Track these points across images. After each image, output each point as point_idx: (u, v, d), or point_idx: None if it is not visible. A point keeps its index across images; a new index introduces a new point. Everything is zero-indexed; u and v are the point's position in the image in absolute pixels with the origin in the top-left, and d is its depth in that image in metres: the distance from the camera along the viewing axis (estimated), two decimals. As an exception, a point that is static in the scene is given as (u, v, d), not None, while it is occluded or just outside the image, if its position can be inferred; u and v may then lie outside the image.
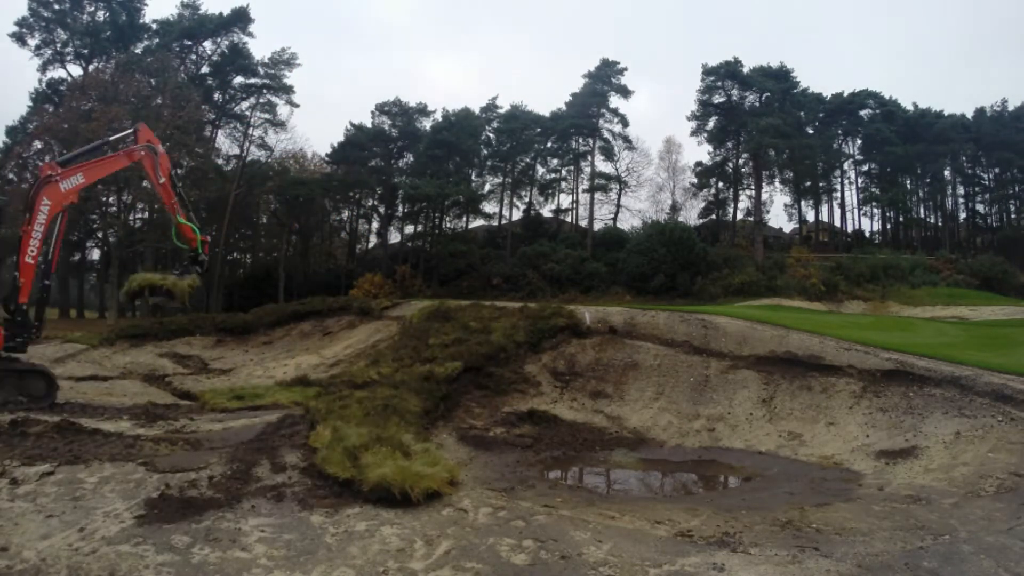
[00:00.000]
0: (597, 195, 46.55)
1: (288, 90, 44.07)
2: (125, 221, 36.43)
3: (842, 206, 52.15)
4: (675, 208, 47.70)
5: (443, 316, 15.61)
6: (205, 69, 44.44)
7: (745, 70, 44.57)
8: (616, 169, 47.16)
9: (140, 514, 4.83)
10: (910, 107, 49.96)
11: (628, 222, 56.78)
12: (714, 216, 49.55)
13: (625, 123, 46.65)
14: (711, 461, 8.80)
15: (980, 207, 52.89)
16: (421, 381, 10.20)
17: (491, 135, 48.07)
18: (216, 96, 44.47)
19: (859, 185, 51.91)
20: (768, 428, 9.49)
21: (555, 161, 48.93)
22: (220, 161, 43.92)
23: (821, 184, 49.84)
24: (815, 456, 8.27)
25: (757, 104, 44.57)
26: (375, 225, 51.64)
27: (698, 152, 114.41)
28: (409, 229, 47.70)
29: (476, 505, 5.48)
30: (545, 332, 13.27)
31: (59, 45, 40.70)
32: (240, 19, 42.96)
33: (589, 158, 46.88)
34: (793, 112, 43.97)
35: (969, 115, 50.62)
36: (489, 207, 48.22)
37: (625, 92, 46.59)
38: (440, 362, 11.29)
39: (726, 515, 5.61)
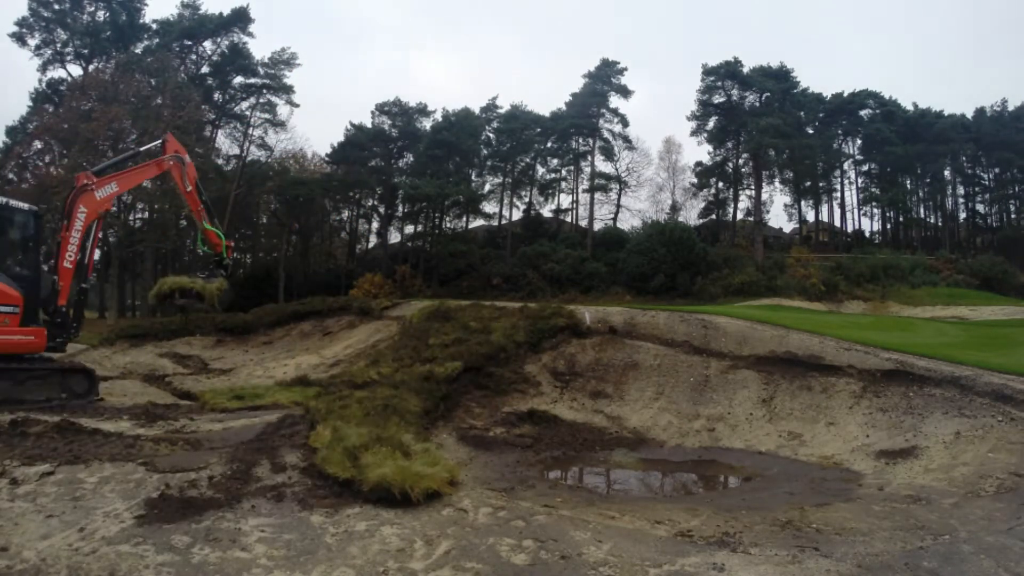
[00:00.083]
0: (597, 195, 46.61)
1: (288, 90, 44.16)
2: (125, 221, 36.43)
3: (842, 206, 52.27)
4: (675, 208, 47.77)
5: (443, 316, 15.60)
6: (205, 69, 44.47)
7: (745, 70, 44.61)
8: (616, 169, 47.27)
9: (140, 514, 4.83)
10: (910, 107, 50.04)
11: (628, 222, 56.91)
12: (714, 216, 49.59)
13: (625, 123, 46.75)
14: (711, 461, 8.80)
15: (980, 207, 53.03)
16: (421, 381, 10.20)
17: (491, 135, 48.10)
18: (216, 96, 44.50)
19: (859, 185, 52.01)
20: (768, 428, 9.49)
21: (555, 161, 48.99)
22: (220, 161, 43.97)
23: (821, 184, 49.88)
24: (815, 456, 8.27)
25: (757, 104, 44.60)
26: (375, 225, 51.74)
27: (698, 152, 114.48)
28: (409, 229, 47.80)
29: (476, 505, 5.48)
30: (545, 332, 13.27)
31: (59, 45, 40.71)
32: (240, 19, 42.99)
33: (589, 158, 46.94)
34: (793, 112, 44.01)
35: (969, 115, 50.72)
36: (489, 207, 48.34)
37: (625, 92, 46.65)
38: (440, 362, 11.28)
39: (726, 515, 5.61)
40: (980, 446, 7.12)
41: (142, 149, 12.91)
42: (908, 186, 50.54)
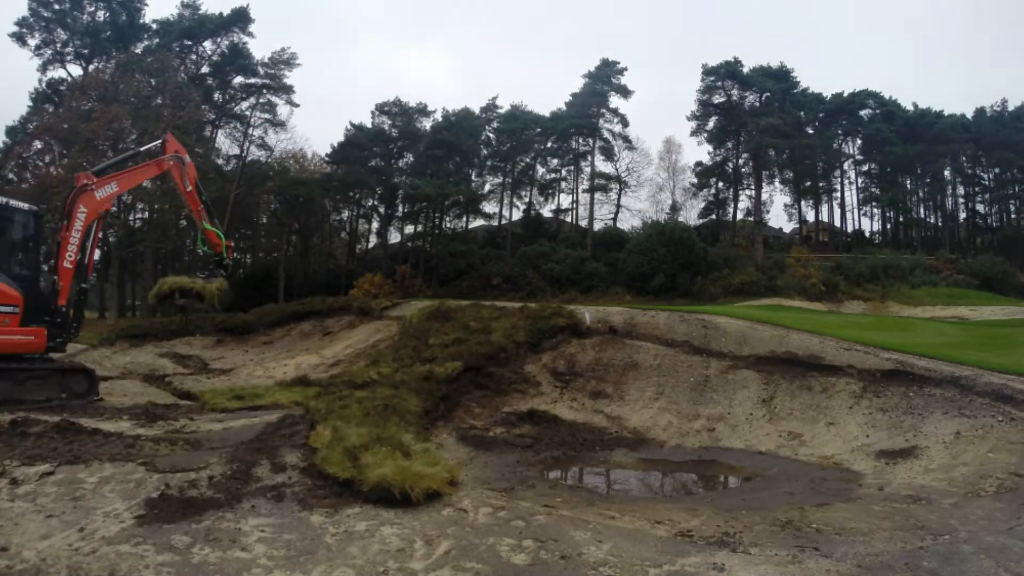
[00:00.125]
0: (597, 195, 46.62)
1: (288, 90, 44.15)
2: (125, 221, 36.43)
3: (842, 206, 52.26)
4: (675, 208, 47.77)
5: (443, 316, 15.60)
6: (205, 69, 44.46)
7: (745, 70, 44.61)
8: (616, 169, 47.27)
9: (140, 514, 4.83)
10: (910, 107, 50.02)
11: (628, 222, 56.90)
12: (714, 216, 49.58)
13: (625, 123, 46.75)
14: (711, 461, 8.80)
15: (980, 207, 53.02)
16: (421, 381, 10.20)
17: (491, 135, 48.09)
18: (216, 96, 44.49)
19: (859, 185, 52.00)
20: (768, 428, 9.49)
21: (555, 161, 48.99)
22: (220, 161, 43.96)
23: (821, 184, 49.88)
24: (815, 456, 8.27)
25: (757, 104, 44.60)
26: (375, 225, 51.73)
27: (698, 152, 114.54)
28: (409, 229, 47.79)
29: (476, 505, 5.48)
30: (545, 332, 13.27)
31: (59, 45, 40.69)
32: (240, 19, 42.98)
33: (589, 158, 46.94)
34: (793, 112, 44.01)
35: (969, 115, 50.69)
36: (489, 207, 48.32)
37: (625, 92, 46.65)
38: (440, 362, 11.28)
39: (726, 515, 5.61)
40: (980, 446, 7.12)
41: (142, 149, 12.92)
42: (908, 186, 50.54)
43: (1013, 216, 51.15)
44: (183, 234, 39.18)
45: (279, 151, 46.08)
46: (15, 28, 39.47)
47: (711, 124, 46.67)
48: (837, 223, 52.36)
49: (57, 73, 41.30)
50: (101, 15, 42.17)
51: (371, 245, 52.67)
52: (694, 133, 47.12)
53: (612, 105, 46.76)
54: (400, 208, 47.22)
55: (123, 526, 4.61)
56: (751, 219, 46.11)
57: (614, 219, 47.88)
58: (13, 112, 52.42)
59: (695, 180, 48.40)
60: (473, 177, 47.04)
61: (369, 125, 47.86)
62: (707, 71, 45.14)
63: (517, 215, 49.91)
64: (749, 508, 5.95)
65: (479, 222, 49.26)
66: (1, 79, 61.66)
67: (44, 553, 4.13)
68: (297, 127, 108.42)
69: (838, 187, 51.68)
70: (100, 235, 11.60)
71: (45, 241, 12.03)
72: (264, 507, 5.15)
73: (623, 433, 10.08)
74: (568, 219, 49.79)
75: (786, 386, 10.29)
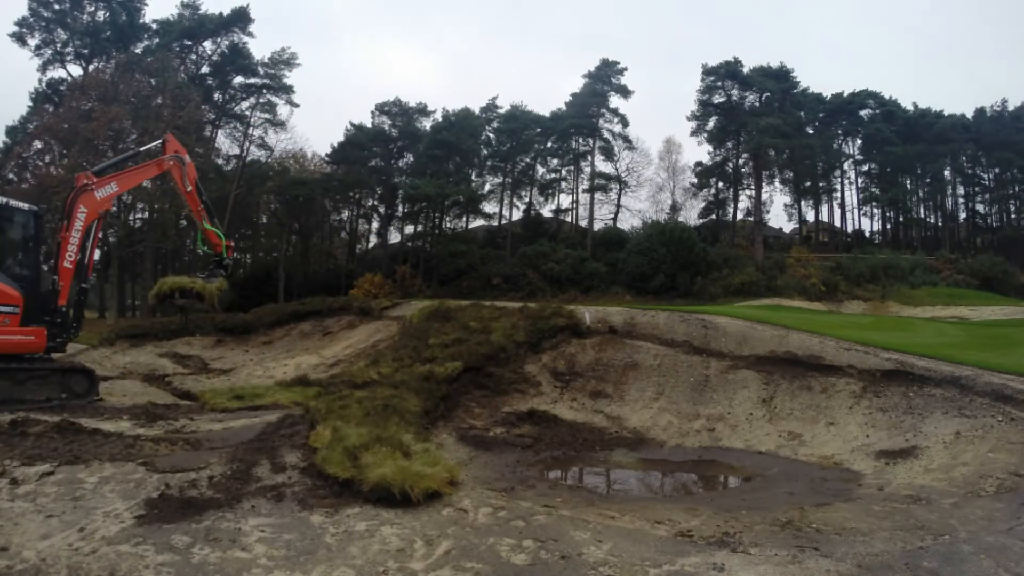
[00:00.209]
0: (597, 195, 46.62)
1: (288, 90, 44.17)
2: (125, 221, 36.43)
3: (842, 206, 52.27)
4: (675, 208, 47.79)
5: (443, 316, 15.60)
6: (205, 69, 44.46)
7: (745, 70, 44.63)
8: (616, 169, 47.28)
9: (140, 514, 4.83)
10: (910, 107, 50.02)
11: (628, 222, 56.90)
12: (714, 216, 49.58)
13: (625, 123, 46.76)
14: (711, 461, 8.80)
15: (980, 207, 53.02)
16: (421, 381, 10.20)
17: (491, 135, 48.09)
18: (216, 96, 44.49)
19: (859, 185, 52.01)
20: (768, 428, 9.49)
21: (555, 161, 48.99)
22: (220, 161, 43.96)
23: (821, 184, 49.89)
24: (815, 456, 8.27)
25: (757, 104, 44.62)
26: (375, 225, 51.76)
27: (698, 152, 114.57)
28: (409, 229, 47.81)
29: (476, 505, 5.48)
30: (545, 332, 13.27)
31: (59, 45, 40.66)
32: (240, 19, 42.97)
33: (589, 158, 46.94)
34: (793, 112, 44.01)
35: (969, 115, 50.68)
36: (489, 207, 48.33)
37: (625, 92, 46.66)
38: (440, 362, 11.28)
39: (726, 515, 5.61)
40: (980, 446, 7.12)
41: (142, 149, 12.93)
42: (908, 186, 50.54)
43: (1013, 216, 51.17)
44: (183, 234, 39.18)
45: (279, 151, 46.16)
46: (15, 28, 39.52)
47: (711, 124, 46.73)
48: (837, 223, 52.44)
49: (57, 73, 41.39)
50: (101, 15, 42.16)
51: (371, 245, 52.73)
52: (694, 133, 47.24)
53: (612, 105, 46.85)
54: (400, 208, 47.23)
55: (123, 526, 4.61)
56: (751, 219, 46.12)
57: (614, 219, 47.95)
58: (13, 112, 52.46)
59: (695, 180, 48.48)
60: (473, 177, 47.04)
61: (369, 125, 47.93)
62: (707, 71, 45.17)
63: (517, 215, 50.00)
64: (749, 508, 5.95)
65: (479, 222, 49.32)
66: (1, 79, 61.67)
67: (44, 553, 4.13)
68: (297, 127, 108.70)
69: (838, 187, 51.77)
70: (100, 235, 11.60)
71: (45, 241, 12.01)
72: (264, 507, 5.15)
73: (623, 433, 10.08)
74: (568, 219, 49.82)
75: (786, 386, 10.29)
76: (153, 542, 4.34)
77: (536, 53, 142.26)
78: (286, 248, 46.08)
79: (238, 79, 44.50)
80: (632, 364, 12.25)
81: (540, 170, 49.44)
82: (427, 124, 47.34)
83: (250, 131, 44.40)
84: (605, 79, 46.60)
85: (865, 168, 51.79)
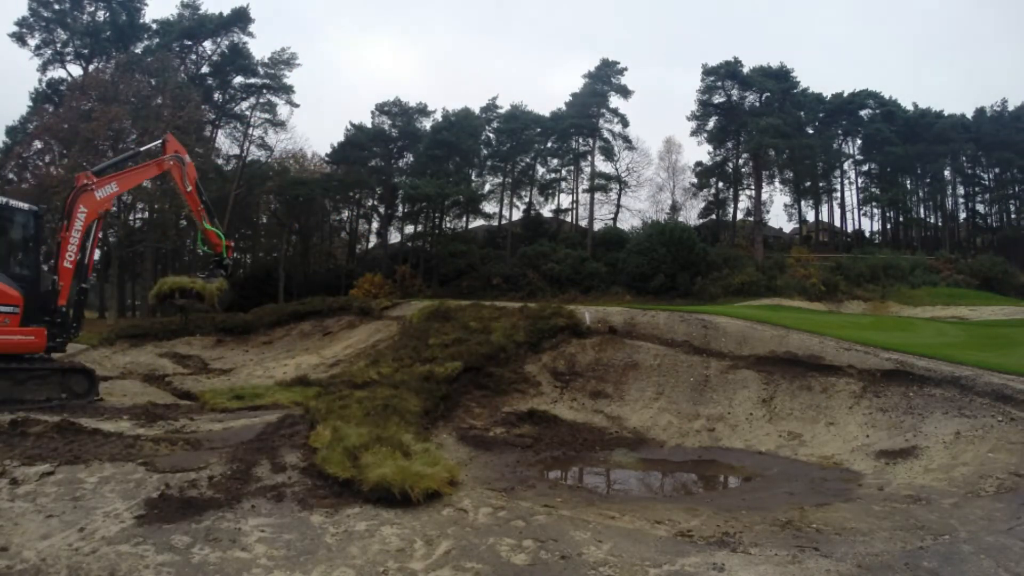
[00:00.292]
0: (597, 195, 46.63)
1: (288, 90, 44.18)
2: (125, 221, 36.42)
3: (842, 206, 52.29)
4: (675, 208, 47.79)
5: (443, 316, 15.60)
6: (205, 69, 44.46)
7: (745, 70, 44.63)
8: (616, 169, 47.29)
9: (140, 514, 4.83)
10: (910, 107, 50.02)
11: (628, 222, 56.88)
12: (714, 216, 49.59)
13: (625, 123, 46.76)
14: (711, 461, 8.80)
15: (980, 207, 53.05)
16: (421, 381, 10.20)
17: (491, 135, 48.10)
18: (216, 96, 44.50)
19: (859, 185, 52.03)
20: (768, 428, 9.49)
21: (555, 161, 48.99)
22: (220, 161, 43.96)
23: (821, 184, 49.90)
24: (815, 456, 8.26)
25: (757, 104, 44.63)
26: (375, 225, 51.76)
27: (698, 152, 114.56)
28: (409, 229, 47.81)
29: (476, 505, 5.48)
30: (545, 332, 13.27)
31: (59, 45, 40.67)
32: (240, 19, 42.98)
33: (589, 158, 46.95)
34: (793, 112, 44.02)
35: (969, 115, 50.68)
36: (489, 207, 48.34)
37: (625, 92, 46.66)
38: (440, 362, 11.28)
39: (726, 515, 5.61)
40: (980, 446, 7.12)
41: (142, 149, 12.94)
42: (908, 186, 50.54)
43: (1013, 216, 51.18)
44: (183, 234, 39.17)
45: (279, 151, 46.17)
46: (15, 28, 39.53)
47: (711, 124, 46.73)
48: (837, 223, 52.45)
49: (57, 73, 41.39)
50: (101, 15, 42.17)
51: (371, 245, 52.74)
52: (694, 133, 47.25)
53: (612, 105, 46.86)
54: (400, 208, 47.22)
55: (123, 526, 4.61)
56: (751, 219, 46.12)
57: (614, 219, 47.95)
58: (13, 112, 52.48)
59: (695, 180, 48.49)
60: (473, 177, 47.04)
61: (369, 125, 47.92)
62: (707, 71, 45.17)
63: (517, 215, 50.01)
64: (749, 508, 5.95)
65: (479, 222, 49.32)
66: (1, 79, 61.68)
67: (44, 553, 4.13)
68: (297, 127, 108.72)
69: (838, 187, 51.78)
70: (100, 235, 11.61)
71: (45, 241, 12.02)
72: (264, 507, 5.15)
73: (623, 433, 10.08)
74: (568, 219, 49.83)
75: (786, 386, 10.29)
76: (153, 542, 4.34)
77: (536, 53, 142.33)
78: (286, 248, 46.08)
79: (238, 79, 44.54)
80: (632, 364, 12.25)
81: (540, 170, 49.52)
82: (427, 124, 47.40)
83: (250, 131, 44.47)
84: (605, 79, 46.60)
85: (865, 168, 51.82)
